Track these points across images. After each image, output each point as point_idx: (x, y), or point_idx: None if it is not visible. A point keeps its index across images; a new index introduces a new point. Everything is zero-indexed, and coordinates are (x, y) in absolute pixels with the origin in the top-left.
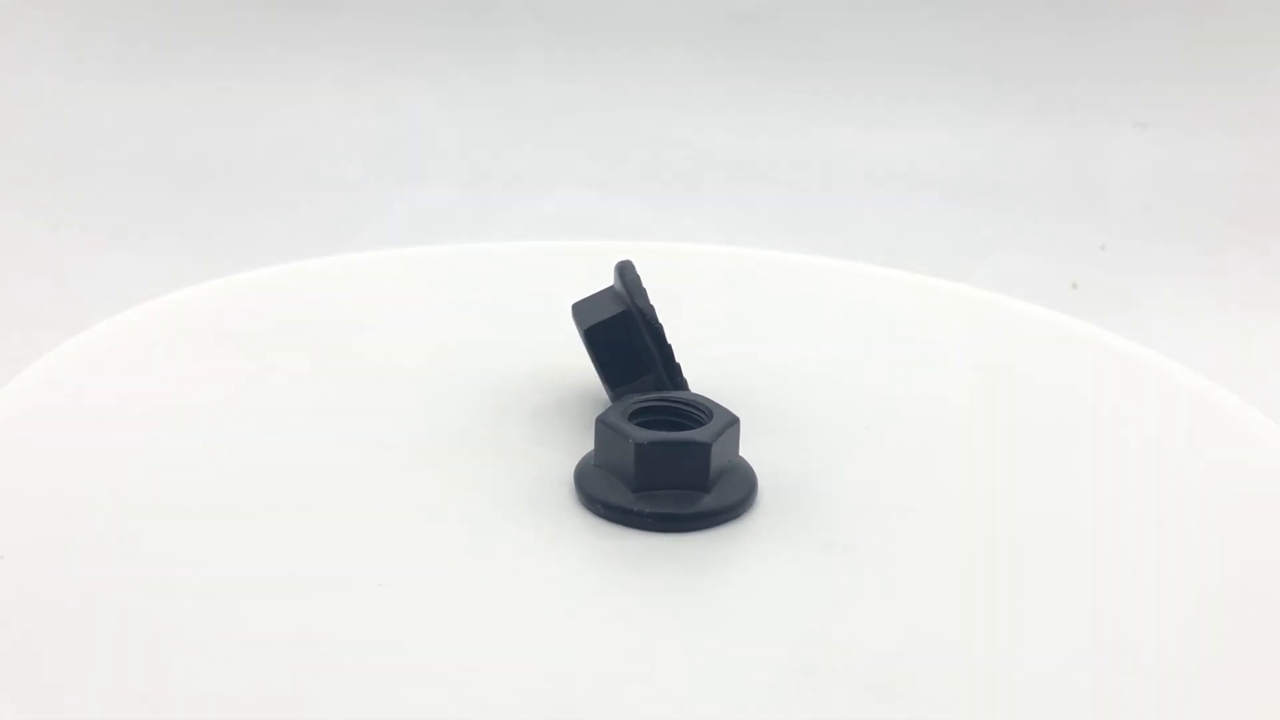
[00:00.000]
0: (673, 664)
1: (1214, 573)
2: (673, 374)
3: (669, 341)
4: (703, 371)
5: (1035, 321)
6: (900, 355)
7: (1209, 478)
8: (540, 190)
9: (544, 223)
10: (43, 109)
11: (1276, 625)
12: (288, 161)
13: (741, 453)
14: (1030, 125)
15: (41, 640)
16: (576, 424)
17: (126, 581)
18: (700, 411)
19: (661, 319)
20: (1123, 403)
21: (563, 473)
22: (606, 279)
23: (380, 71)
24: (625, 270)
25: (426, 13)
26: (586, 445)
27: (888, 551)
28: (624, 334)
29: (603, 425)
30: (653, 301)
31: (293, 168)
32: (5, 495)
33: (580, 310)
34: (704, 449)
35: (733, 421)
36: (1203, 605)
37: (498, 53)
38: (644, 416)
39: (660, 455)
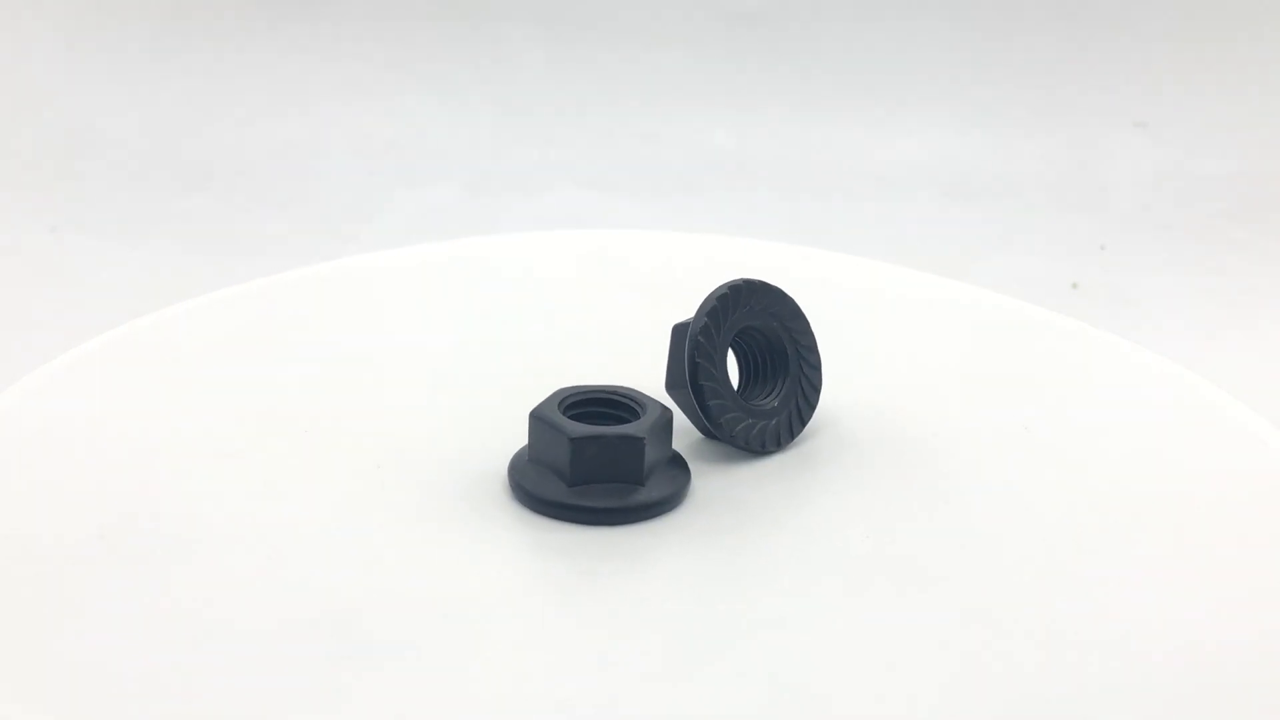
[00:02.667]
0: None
1: (1212, 572)
2: (699, 394)
3: (701, 362)
4: None
5: (1033, 321)
6: (894, 352)
7: (1206, 479)
8: (540, 190)
9: (543, 223)
10: (43, 109)
11: (1275, 626)
12: (288, 161)
13: (711, 451)
14: (1030, 125)
15: (40, 645)
16: None
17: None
18: (637, 408)
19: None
20: (1120, 403)
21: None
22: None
23: (380, 71)
24: (717, 289)
25: (426, 13)
26: None
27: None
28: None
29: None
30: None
31: (293, 168)
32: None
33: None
34: (565, 441)
35: (630, 439)
36: (1201, 604)
37: (498, 53)
38: (587, 406)
39: (541, 433)
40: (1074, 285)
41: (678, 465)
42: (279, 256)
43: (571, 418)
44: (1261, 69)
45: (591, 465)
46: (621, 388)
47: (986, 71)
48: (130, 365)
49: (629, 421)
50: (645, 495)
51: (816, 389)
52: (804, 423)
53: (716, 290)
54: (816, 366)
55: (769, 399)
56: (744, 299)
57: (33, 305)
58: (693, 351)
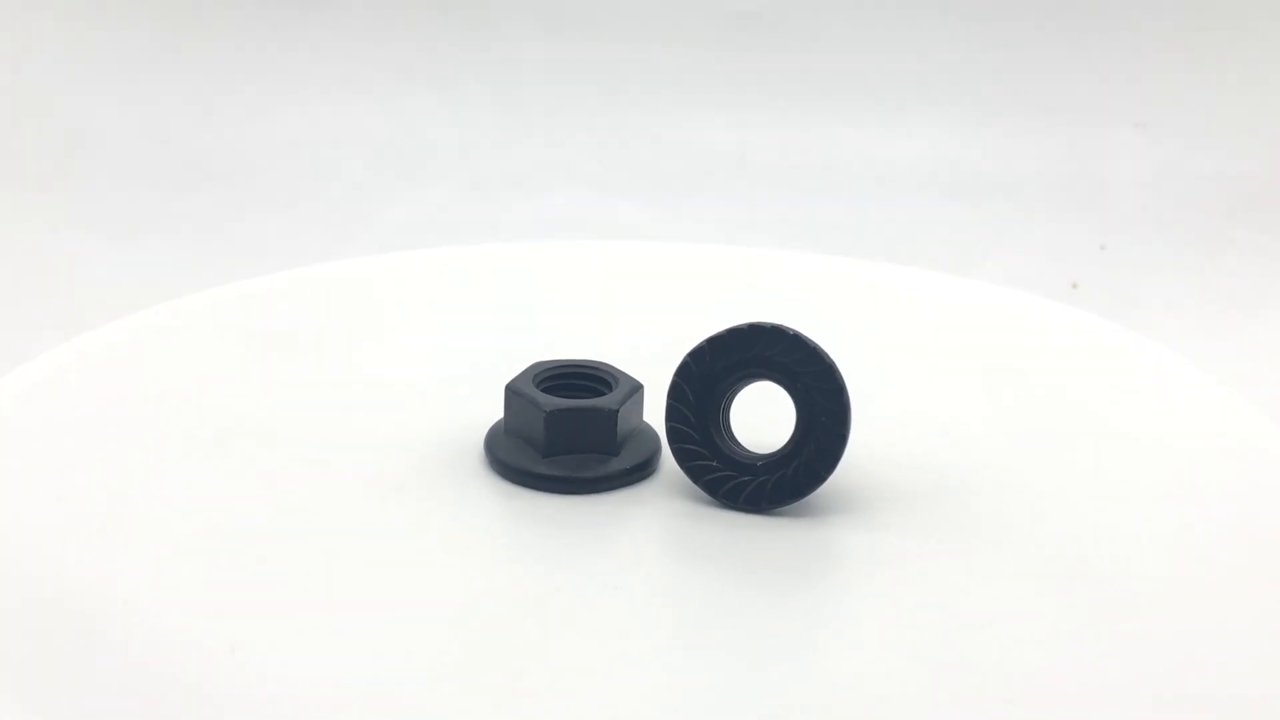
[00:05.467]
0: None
1: (1211, 573)
2: (666, 415)
3: (679, 382)
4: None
5: (1035, 315)
6: (895, 348)
7: (1207, 479)
8: (540, 190)
9: (544, 223)
10: (43, 109)
11: (1273, 627)
12: (288, 161)
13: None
14: (1030, 125)
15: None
16: None
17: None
18: (607, 381)
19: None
20: (1120, 401)
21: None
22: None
23: (380, 71)
24: (739, 324)
25: (427, 13)
26: None
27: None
28: None
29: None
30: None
31: (293, 168)
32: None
33: None
34: (505, 388)
35: (536, 408)
36: (1200, 603)
37: (498, 53)
38: (563, 379)
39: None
40: (1074, 285)
41: (611, 457)
42: (279, 257)
43: (545, 387)
44: (1261, 69)
45: (515, 421)
46: (619, 372)
47: (986, 71)
48: (128, 364)
49: (592, 394)
50: (544, 467)
51: (822, 471)
52: (791, 498)
53: (738, 325)
54: (833, 451)
55: (769, 457)
56: (766, 343)
57: (33, 305)
58: (677, 374)
